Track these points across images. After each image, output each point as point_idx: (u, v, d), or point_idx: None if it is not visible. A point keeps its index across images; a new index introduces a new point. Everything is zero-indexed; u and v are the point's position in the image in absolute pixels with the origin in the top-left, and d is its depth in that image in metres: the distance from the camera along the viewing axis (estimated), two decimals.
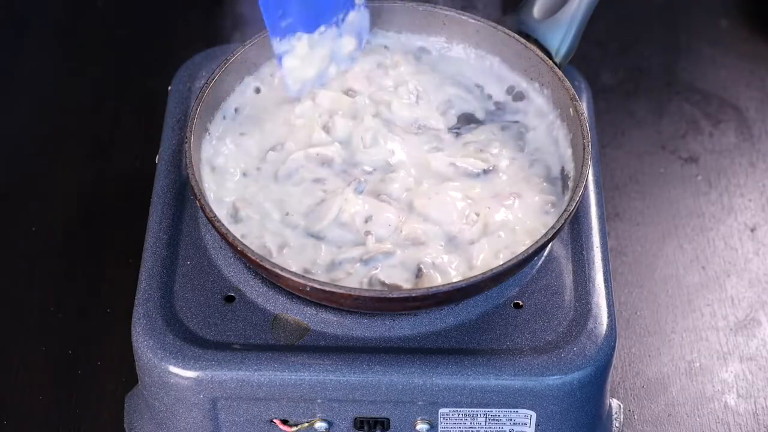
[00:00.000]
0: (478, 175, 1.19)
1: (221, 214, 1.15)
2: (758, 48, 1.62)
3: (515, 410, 1.12)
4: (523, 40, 1.24)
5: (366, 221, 1.15)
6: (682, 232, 1.43)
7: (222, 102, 1.23)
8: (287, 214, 1.16)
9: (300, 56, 1.21)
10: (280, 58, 1.21)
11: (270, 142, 1.21)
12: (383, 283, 1.11)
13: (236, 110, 1.23)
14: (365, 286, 1.11)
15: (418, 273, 1.12)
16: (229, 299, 1.15)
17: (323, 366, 1.10)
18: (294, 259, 1.13)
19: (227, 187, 1.18)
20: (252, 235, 1.15)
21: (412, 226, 1.15)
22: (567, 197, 1.16)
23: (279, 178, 1.18)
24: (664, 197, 1.46)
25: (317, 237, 1.14)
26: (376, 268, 1.12)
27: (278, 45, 1.20)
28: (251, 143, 1.21)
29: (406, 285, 1.11)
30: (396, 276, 1.12)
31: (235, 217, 1.16)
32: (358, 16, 1.23)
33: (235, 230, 1.14)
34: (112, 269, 1.37)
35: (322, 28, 1.21)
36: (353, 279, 1.12)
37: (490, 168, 1.19)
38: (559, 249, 1.18)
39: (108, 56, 1.60)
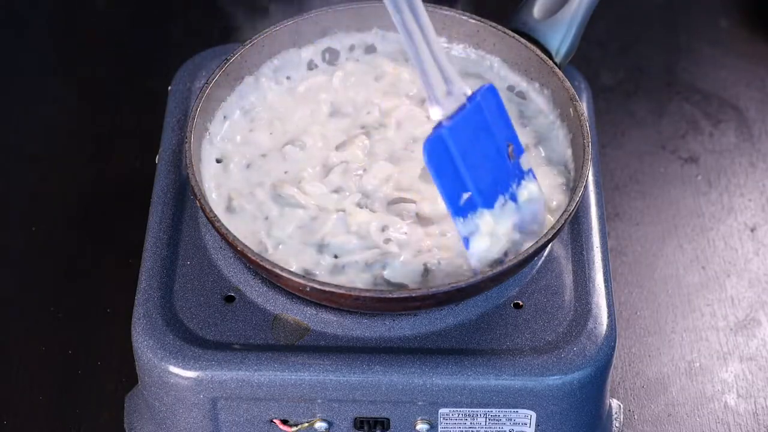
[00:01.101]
0: None
1: (218, 207, 1.15)
2: (758, 48, 1.62)
3: (515, 410, 1.12)
4: (523, 40, 1.24)
5: (383, 230, 1.15)
6: (682, 232, 1.43)
7: (222, 102, 1.23)
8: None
9: (486, 233, 1.12)
10: (467, 241, 1.11)
11: (287, 136, 1.22)
12: (389, 282, 1.11)
13: (247, 108, 1.24)
14: (370, 286, 1.11)
15: (424, 272, 1.12)
16: (229, 299, 1.15)
17: (323, 366, 1.10)
18: (294, 257, 1.13)
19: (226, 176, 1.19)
20: (246, 228, 1.15)
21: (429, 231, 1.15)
22: (567, 197, 1.16)
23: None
24: (664, 197, 1.46)
25: (320, 247, 1.14)
26: (383, 269, 1.12)
27: (463, 226, 1.11)
28: (262, 136, 1.22)
29: (412, 285, 1.11)
30: (402, 276, 1.12)
31: (229, 207, 1.17)
32: (532, 191, 1.14)
33: (229, 221, 1.15)
34: (112, 269, 1.37)
35: (501, 200, 1.12)
36: (358, 280, 1.12)
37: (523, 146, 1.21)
38: (559, 249, 1.18)
39: (108, 56, 1.60)
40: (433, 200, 1.16)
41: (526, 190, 1.13)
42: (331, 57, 1.29)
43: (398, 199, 1.17)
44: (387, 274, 1.12)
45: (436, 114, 1.09)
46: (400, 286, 1.11)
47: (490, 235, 1.11)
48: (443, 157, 1.09)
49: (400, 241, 1.14)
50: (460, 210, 1.10)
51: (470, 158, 1.10)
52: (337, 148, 1.20)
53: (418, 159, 1.19)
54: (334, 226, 1.15)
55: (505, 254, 1.12)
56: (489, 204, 1.11)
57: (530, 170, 1.14)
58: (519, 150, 1.13)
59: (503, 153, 1.12)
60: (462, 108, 1.09)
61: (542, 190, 1.15)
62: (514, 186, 1.13)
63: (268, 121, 1.23)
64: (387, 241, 1.14)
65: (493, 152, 1.11)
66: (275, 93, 1.25)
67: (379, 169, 1.18)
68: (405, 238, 1.14)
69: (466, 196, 1.10)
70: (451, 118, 1.08)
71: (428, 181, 1.16)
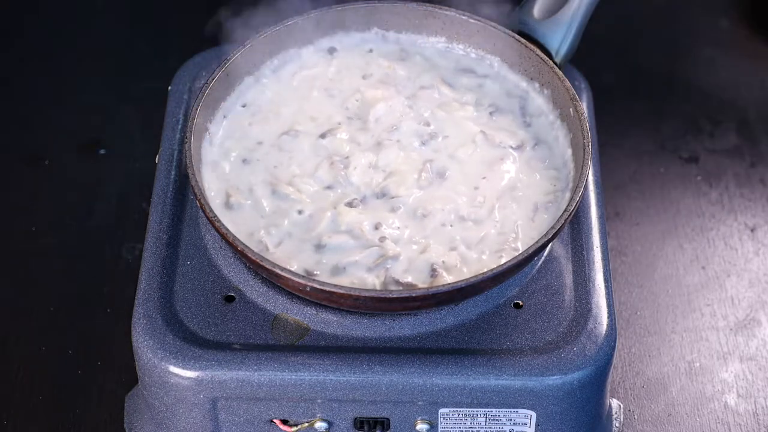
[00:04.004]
0: (505, 148, 1.20)
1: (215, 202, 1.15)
2: (758, 48, 1.62)
3: (515, 410, 1.12)
4: (523, 40, 1.24)
5: (376, 228, 1.15)
6: (682, 232, 1.43)
7: (222, 102, 1.23)
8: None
9: None
10: None
11: (283, 126, 1.22)
12: (398, 282, 1.11)
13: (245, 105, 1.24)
14: (379, 285, 1.11)
15: (433, 273, 1.12)
16: (229, 299, 1.15)
17: (323, 366, 1.10)
18: (294, 256, 1.13)
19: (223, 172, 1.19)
20: (245, 225, 1.15)
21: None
22: (567, 197, 1.16)
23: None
24: (664, 197, 1.46)
25: (318, 245, 1.14)
26: (386, 269, 1.12)
27: None
28: (258, 129, 1.22)
29: (421, 285, 1.11)
30: (411, 276, 1.12)
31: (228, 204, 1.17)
32: None
33: (226, 217, 1.15)
34: (112, 269, 1.37)
35: None
36: (360, 280, 1.12)
37: (520, 144, 1.21)
38: (559, 249, 1.18)
39: (108, 56, 1.60)
40: (417, 186, 1.18)
41: None
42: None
43: (384, 189, 1.17)
44: (392, 273, 1.12)
45: None
46: (408, 285, 1.11)
47: None
48: None
49: (394, 237, 1.14)
50: None
51: None
52: (323, 136, 1.21)
53: (399, 145, 1.21)
54: (327, 226, 1.15)
55: None
56: None
57: None
58: None
59: None
60: None
61: None
62: None
63: (264, 115, 1.23)
64: (382, 239, 1.14)
65: None
66: (272, 84, 1.26)
67: (359, 159, 1.19)
68: (398, 234, 1.14)
69: None
70: None
71: (410, 165, 1.19)
